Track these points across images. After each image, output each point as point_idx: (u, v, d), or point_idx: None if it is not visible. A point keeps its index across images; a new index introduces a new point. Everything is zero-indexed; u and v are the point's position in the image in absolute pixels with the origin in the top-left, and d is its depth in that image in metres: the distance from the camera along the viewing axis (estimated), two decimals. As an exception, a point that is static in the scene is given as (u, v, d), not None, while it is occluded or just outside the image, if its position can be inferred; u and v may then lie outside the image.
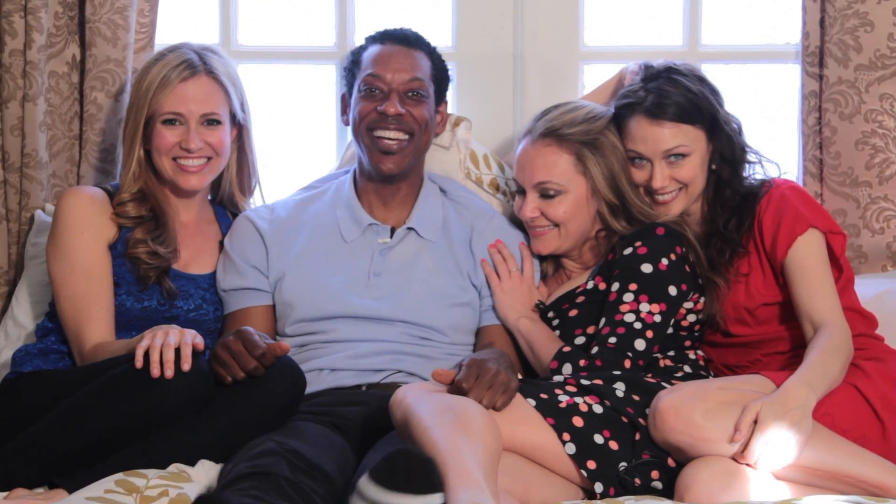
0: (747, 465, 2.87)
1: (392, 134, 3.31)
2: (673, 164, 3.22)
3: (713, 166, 3.26)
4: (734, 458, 2.87)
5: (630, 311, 3.14)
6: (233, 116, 3.38)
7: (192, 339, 2.95)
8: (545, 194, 3.30)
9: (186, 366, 2.90)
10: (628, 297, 3.16)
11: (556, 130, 3.29)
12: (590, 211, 3.31)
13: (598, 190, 3.27)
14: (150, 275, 3.28)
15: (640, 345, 3.13)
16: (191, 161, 3.31)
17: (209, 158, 3.33)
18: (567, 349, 3.17)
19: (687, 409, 2.87)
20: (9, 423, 3.04)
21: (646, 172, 3.25)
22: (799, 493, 2.85)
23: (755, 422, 2.85)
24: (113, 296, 3.27)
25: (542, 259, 3.45)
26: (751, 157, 3.29)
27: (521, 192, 3.35)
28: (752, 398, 2.91)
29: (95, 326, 3.21)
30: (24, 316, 3.59)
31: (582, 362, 3.12)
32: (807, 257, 3.13)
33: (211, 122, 3.32)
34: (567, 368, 3.13)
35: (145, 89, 3.30)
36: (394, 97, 3.32)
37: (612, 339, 3.13)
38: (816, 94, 3.69)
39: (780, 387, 2.91)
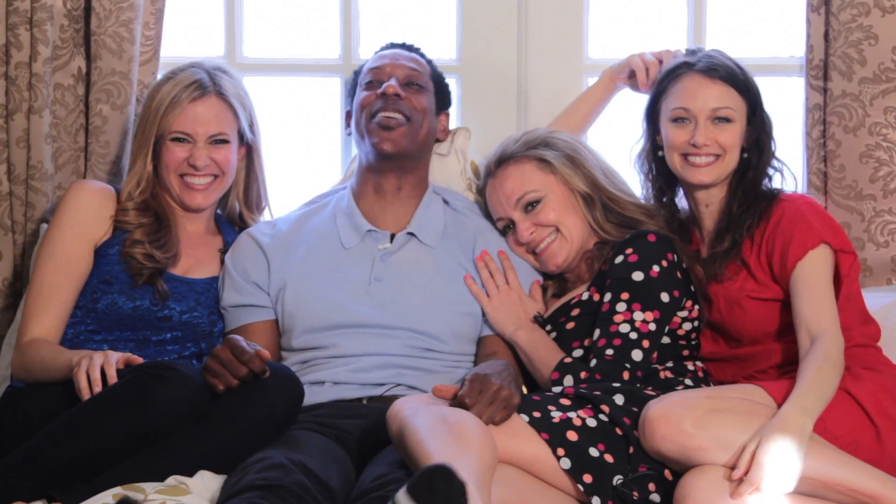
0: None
1: (391, 113, 3.37)
2: (716, 125, 3.27)
3: (745, 154, 3.30)
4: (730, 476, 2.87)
5: (625, 322, 3.15)
6: (241, 136, 3.42)
7: (116, 360, 3.01)
8: (529, 207, 3.36)
9: (97, 388, 2.96)
10: (621, 306, 3.16)
11: (506, 155, 3.42)
12: (576, 210, 3.35)
13: (569, 182, 3.35)
14: (142, 273, 3.31)
15: (637, 355, 3.13)
16: (197, 179, 3.35)
17: (215, 176, 3.37)
18: (568, 360, 3.17)
19: (676, 418, 2.87)
20: (8, 435, 3.06)
21: (687, 132, 3.29)
22: (791, 501, 2.85)
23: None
24: (73, 300, 3.30)
25: (545, 276, 3.46)
26: (774, 163, 3.34)
27: (509, 228, 3.41)
28: (741, 406, 2.91)
29: (44, 320, 3.26)
30: (27, 328, 3.60)
31: (583, 374, 3.12)
32: (815, 271, 3.12)
33: (218, 141, 3.37)
34: (568, 380, 3.13)
35: (155, 108, 3.36)
36: (393, 81, 3.40)
37: (610, 351, 3.13)
38: (821, 107, 3.68)
39: (778, 414, 2.88)
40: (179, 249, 3.39)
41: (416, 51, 3.54)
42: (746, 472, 2.82)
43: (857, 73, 3.63)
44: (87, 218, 3.35)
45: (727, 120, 3.28)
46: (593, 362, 3.13)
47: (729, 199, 3.31)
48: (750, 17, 3.90)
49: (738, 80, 3.29)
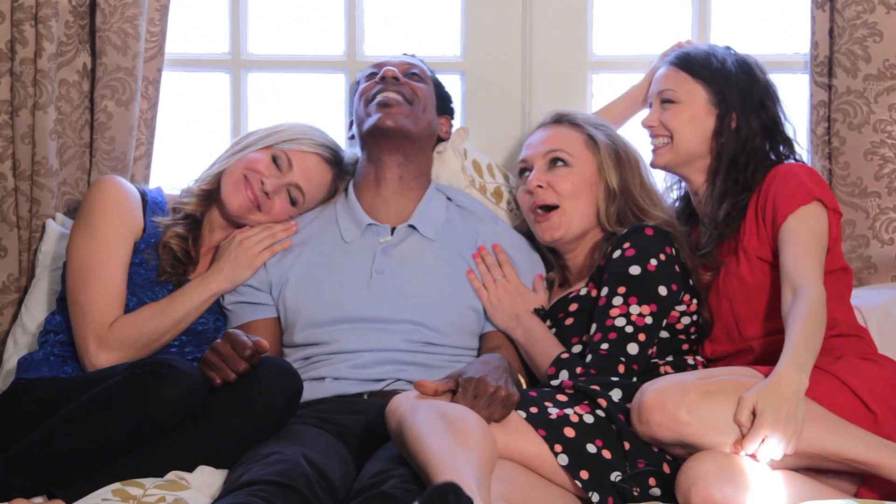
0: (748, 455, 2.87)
1: (390, 93, 3.40)
2: (664, 108, 3.37)
3: (722, 139, 3.32)
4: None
5: (620, 315, 3.15)
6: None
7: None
8: (554, 163, 3.36)
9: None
10: (617, 300, 3.17)
11: (569, 117, 3.45)
12: (592, 196, 3.35)
13: (604, 170, 3.35)
14: (165, 270, 3.32)
15: (632, 349, 3.13)
16: (254, 188, 3.36)
17: (259, 207, 3.38)
18: (565, 355, 3.18)
19: (672, 406, 2.87)
20: (11, 430, 3.06)
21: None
22: (793, 482, 2.86)
23: (753, 413, 2.84)
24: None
25: (549, 268, 3.46)
26: (782, 155, 3.36)
27: (524, 172, 3.41)
28: (732, 385, 2.90)
29: (118, 304, 3.27)
30: (32, 323, 3.60)
31: (578, 370, 3.12)
32: (803, 226, 3.15)
33: (293, 197, 3.41)
34: (564, 375, 3.13)
35: (287, 129, 3.43)
36: (393, 67, 3.45)
37: (605, 346, 3.13)
38: (825, 104, 3.68)
39: (773, 373, 2.89)
40: (201, 255, 3.42)
41: (415, 56, 3.60)
42: (744, 437, 2.84)
43: (862, 70, 3.63)
44: (129, 213, 3.36)
45: (671, 101, 3.36)
46: (588, 357, 3.14)
47: (710, 190, 3.34)
48: (755, 14, 3.89)
49: (696, 65, 3.35)
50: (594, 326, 3.18)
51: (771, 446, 2.82)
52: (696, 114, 3.34)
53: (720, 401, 2.87)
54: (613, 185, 3.34)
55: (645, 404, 2.90)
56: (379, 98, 3.41)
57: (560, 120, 3.44)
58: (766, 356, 3.17)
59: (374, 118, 3.40)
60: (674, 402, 2.87)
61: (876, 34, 3.61)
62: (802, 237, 3.12)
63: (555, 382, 3.10)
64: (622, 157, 3.38)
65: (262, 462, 2.82)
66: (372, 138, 3.42)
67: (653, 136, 3.39)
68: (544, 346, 3.25)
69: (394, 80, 3.42)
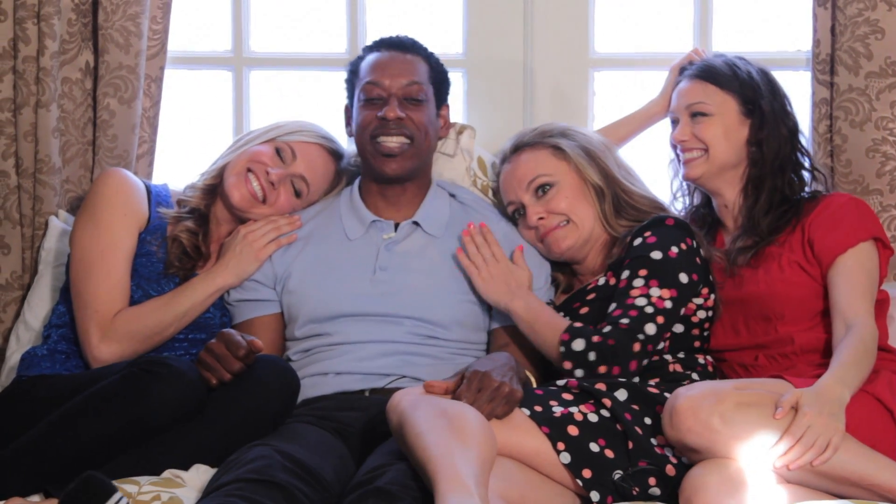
0: (784, 463, 2.84)
1: (394, 139, 3.35)
2: (695, 121, 3.35)
3: (753, 148, 3.33)
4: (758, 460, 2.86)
5: (641, 296, 3.14)
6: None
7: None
8: (540, 191, 3.36)
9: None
10: (638, 282, 3.16)
11: (521, 143, 3.43)
12: (587, 197, 3.35)
13: (581, 171, 3.35)
14: (173, 264, 3.33)
15: (650, 329, 3.11)
16: (258, 181, 3.37)
17: (264, 200, 3.38)
18: (578, 324, 3.15)
19: (706, 413, 2.84)
20: (11, 427, 3.07)
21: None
22: (802, 496, 2.83)
23: (794, 409, 2.84)
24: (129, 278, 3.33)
25: (555, 268, 3.46)
26: (806, 163, 3.38)
27: (519, 213, 3.41)
28: (768, 399, 2.88)
29: (122, 296, 3.27)
30: (35, 320, 3.61)
31: (595, 339, 3.08)
32: (859, 263, 3.18)
33: (297, 189, 3.41)
34: (579, 343, 3.09)
35: (289, 126, 3.44)
36: (393, 102, 3.36)
37: (625, 320, 3.11)
38: (827, 101, 3.68)
39: (817, 383, 2.91)
40: (211, 251, 3.43)
41: (413, 48, 3.46)
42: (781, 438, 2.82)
43: (864, 67, 3.62)
44: (133, 204, 3.36)
45: (703, 114, 3.34)
46: (607, 328, 3.10)
47: (746, 200, 3.34)
48: (757, 11, 3.90)
49: (722, 77, 3.34)
50: (613, 305, 3.16)
51: (809, 441, 2.80)
52: (730, 124, 3.34)
53: (754, 413, 2.85)
54: (596, 181, 3.35)
55: (678, 409, 2.87)
56: (381, 145, 3.36)
57: (519, 147, 3.43)
58: (804, 347, 3.20)
59: (377, 164, 3.38)
60: (708, 409, 2.84)
61: (878, 31, 3.61)
62: (859, 275, 3.16)
63: (566, 367, 3.07)
64: (591, 150, 3.38)
65: (241, 461, 2.83)
66: (375, 176, 3.42)
67: (684, 150, 3.37)
68: (549, 317, 3.21)
69: (396, 121, 3.36)
